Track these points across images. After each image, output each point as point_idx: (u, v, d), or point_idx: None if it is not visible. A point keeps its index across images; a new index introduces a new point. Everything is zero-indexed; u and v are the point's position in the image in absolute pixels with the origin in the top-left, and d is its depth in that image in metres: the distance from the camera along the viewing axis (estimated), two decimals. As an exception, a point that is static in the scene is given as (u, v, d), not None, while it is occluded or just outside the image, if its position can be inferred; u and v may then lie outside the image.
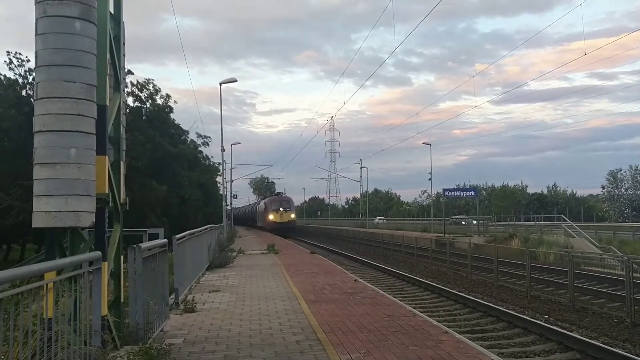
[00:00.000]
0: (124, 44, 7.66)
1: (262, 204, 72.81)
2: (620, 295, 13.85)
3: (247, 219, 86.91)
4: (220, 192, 48.57)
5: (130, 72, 41.41)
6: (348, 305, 10.65)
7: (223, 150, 36.23)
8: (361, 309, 10.19)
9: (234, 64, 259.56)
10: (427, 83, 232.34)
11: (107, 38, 6.73)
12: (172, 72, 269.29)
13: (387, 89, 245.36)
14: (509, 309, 13.28)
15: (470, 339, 8.29)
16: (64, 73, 5.72)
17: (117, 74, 7.29)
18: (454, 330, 8.74)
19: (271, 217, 60.68)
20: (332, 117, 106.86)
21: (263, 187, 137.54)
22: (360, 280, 15.31)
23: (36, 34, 5.83)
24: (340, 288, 13.23)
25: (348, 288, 13.27)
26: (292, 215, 62.55)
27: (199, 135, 53.00)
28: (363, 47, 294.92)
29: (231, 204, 57.26)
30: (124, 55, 7.73)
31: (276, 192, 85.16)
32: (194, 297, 11.32)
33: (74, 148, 5.73)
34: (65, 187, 5.70)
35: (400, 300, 12.26)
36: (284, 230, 56.60)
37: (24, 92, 33.48)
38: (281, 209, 60.82)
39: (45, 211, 5.65)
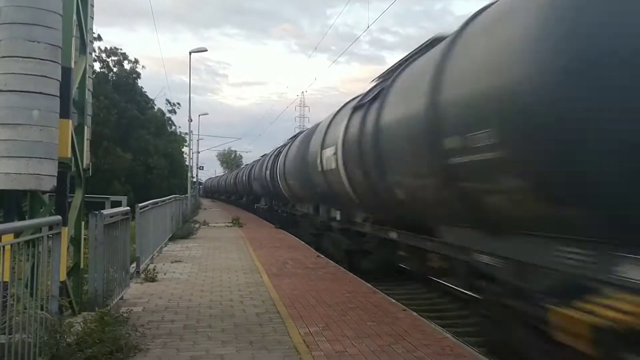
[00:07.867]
0: (92, 5, 7.48)
1: None
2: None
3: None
4: (187, 163, 48.19)
5: (99, 38, 40.55)
6: (309, 280, 10.74)
7: (190, 120, 35.79)
8: (322, 284, 10.28)
9: (207, 32, 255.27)
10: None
11: (74, -2, 6.55)
12: (143, 38, 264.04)
13: (361, 67, 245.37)
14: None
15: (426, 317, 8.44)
16: (28, 32, 5.56)
17: (84, 36, 7.12)
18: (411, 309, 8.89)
19: None
20: (302, 92, 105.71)
21: (230, 160, 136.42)
22: (322, 256, 15.41)
23: (0, -10, 5.66)
24: (302, 263, 13.32)
25: (310, 263, 13.37)
26: None
27: (168, 102, 52.24)
28: (338, 22, 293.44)
29: (197, 175, 56.69)
30: (92, 18, 7.56)
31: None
32: (155, 266, 11.26)
33: (36, 110, 5.62)
34: (27, 149, 5.59)
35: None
36: None
37: None
38: None
39: (5, 173, 5.55)
